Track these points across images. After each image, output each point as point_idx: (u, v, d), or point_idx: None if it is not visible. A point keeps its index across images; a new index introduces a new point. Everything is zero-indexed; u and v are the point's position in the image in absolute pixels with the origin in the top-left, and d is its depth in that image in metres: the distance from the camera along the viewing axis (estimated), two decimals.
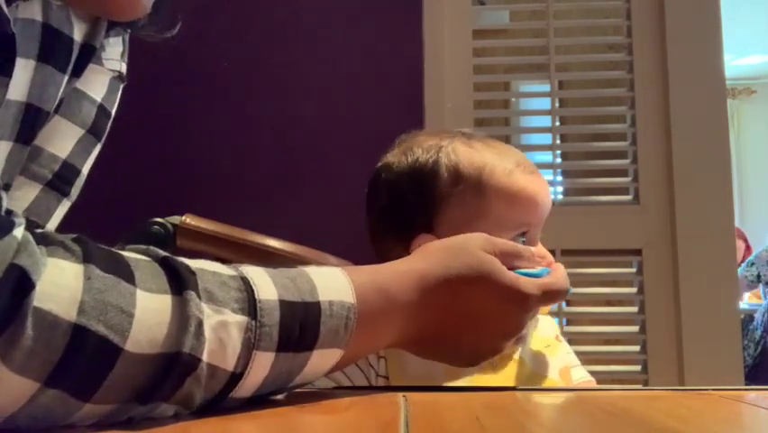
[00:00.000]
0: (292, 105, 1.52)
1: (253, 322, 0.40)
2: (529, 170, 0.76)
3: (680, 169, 1.48)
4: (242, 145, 1.51)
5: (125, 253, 0.39)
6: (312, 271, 0.46)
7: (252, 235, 0.84)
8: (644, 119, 1.52)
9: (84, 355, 0.34)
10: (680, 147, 1.49)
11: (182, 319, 0.37)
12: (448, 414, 0.46)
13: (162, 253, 0.41)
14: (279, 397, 0.51)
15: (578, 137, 1.62)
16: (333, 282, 0.46)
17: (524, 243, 0.74)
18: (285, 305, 0.42)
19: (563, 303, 1.49)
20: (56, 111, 0.57)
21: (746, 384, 1.61)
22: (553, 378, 0.73)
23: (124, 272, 0.37)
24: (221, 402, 0.41)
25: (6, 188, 0.55)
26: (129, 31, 0.64)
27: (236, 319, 0.40)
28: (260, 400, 0.45)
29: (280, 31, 1.53)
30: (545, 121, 1.68)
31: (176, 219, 0.83)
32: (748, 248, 4.02)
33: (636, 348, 1.46)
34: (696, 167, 1.48)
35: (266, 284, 0.42)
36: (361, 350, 0.49)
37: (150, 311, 0.37)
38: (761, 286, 3.44)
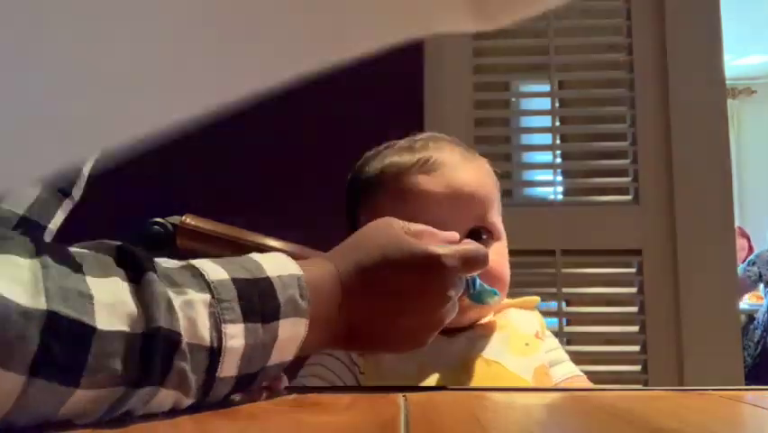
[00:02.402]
0: (291, 106, 1.52)
1: (213, 299, 0.42)
2: (427, 169, 0.75)
3: (680, 169, 1.48)
4: (241, 144, 1.51)
5: (71, 248, 0.39)
6: (255, 255, 0.48)
7: (252, 235, 0.84)
8: (644, 119, 1.52)
9: (60, 340, 0.34)
10: (680, 147, 1.49)
11: (150, 298, 0.38)
12: (448, 414, 0.46)
13: (115, 243, 0.41)
14: (280, 397, 0.52)
15: (578, 137, 1.62)
16: (277, 262, 0.48)
17: None
18: (238, 281, 0.44)
19: (563, 303, 1.49)
20: None
21: (746, 384, 1.61)
22: (525, 378, 0.71)
23: (73, 264, 0.37)
24: (213, 387, 0.41)
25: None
26: None
27: (200, 297, 0.41)
28: (260, 401, 0.45)
29: None
30: (545, 121, 1.68)
31: (176, 219, 0.83)
32: (751, 247, 4.02)
33: (636, 348, 1.46)
34: (696, 167, 1.48)
35: (214, 268, 0.44)
36: (309, 343, 0.49)
37: (105, 291, 0.37)
38: (761, 286, 3.44)
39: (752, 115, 5.49)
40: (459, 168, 0.76)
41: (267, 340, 0.44)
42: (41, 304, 0.34)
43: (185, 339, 0.39)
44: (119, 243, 0.42)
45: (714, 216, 1.47)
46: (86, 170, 0.62)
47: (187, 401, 0.41)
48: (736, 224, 2.58)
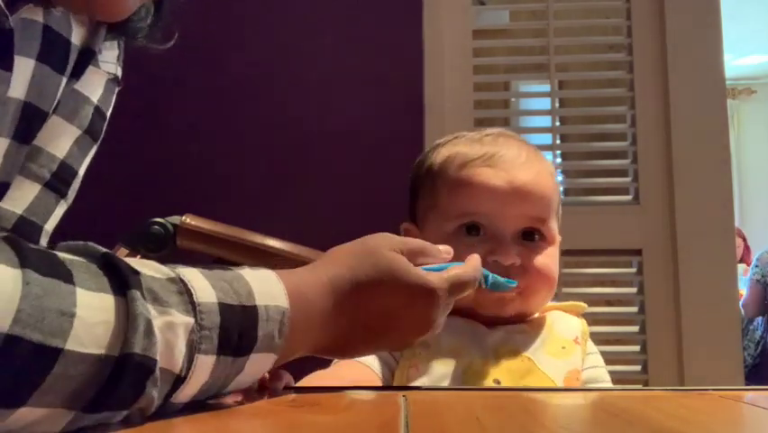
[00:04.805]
0: (292, 106, 1.52)
1: (196, 325, 0.40)
2: (489, 163, 0.76)
3: (680, 169, 1.48)
4: (243, 145, 1.51)
5: (60, 254, 0.38)
6: (247, 273, 0.46)
7: (252, 235, 0.84)
8: (644, 119, 1.51)
9: (14, 364, 0.32)
10: (680, 147, 1.49)
11: (129, 319, 0.36)
12: (448, 414, 0.46)
13: (101, 249, 0.40)
14: (280, 397, 0.51)
15: (578, 137, 1.62)
16: (268, 287, 0.46)
17: (479, 234, 0.76)
18: (224, 308, 0.42)
19: None
20: (54, 111, 0.58)
21: (746, 384, 1.61)
22: (554, 378, 0.73)
23: (62, 273, 0.35)
24: (162, 407, 0.40)
25: (5, 187, 0.55)
26: (124, 38, 0.65)
27: (182, 320, 0.39)
28: (260, 401, 0.45)
29: (280, 31, 1.53)
30: (545, 121, 1.68)
31: (176, 219, 0.83)
32: (747, 247, 4.02)
33: (636, 348, 1.46)
34: (696, 167, 1.48)
35: (204, 287, 0.42)
36: (281, 358, 0.48)
37: (92, 309, 0.35)
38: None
39: (752, 115, 5.49)
40: (522, 167, 0.77)
41: (231, 373, 0.43)
42: (5, 324, 0.32)
43: (159, 364, 0.37)
44: (104, 250, 0.40)
45: (714, 216, 1.47)
46: (81, 173, 0.62)
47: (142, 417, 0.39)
48: (736, 224, 2.58)
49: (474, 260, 0.62)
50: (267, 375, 0.59)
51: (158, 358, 0.37)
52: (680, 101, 1.49)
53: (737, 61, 5.03)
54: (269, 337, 0.45)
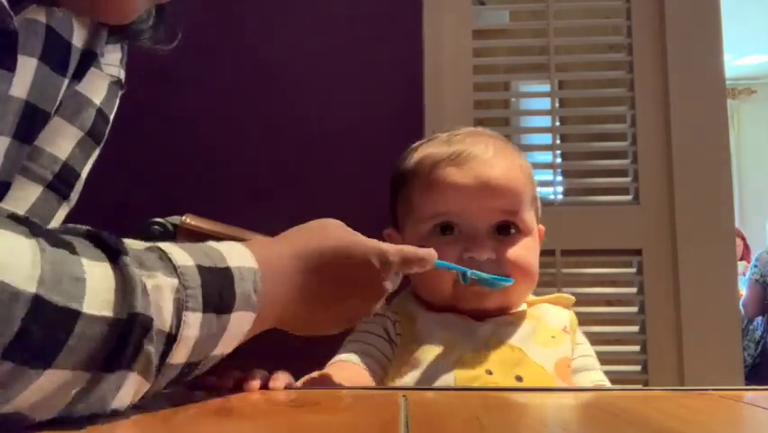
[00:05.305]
0: (292, 106, 1.52)
1: (180, 285, 0.42)
2: (456, 162, 0.79)
3: (680, 169, 1.48)
4: (242, 145, 1.51)
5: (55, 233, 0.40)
6: (215, 243, 0.49)
7: (252, 235, 0.84)
8: (644, 119, 1.51)
9: (42, 325, 0.34)
10: (680, 147, 1.48)
11: (127, 282, 0.38)
12: (448, 414, 0.46)
13: (83, 227, 0.42)
14: (279, 397, 0.51)
15: (578, 137, 1.62)
16: (237, 252, 0.49)
17: (453, 233, 0.78)
18: (202, 270, 0.45)
19: None
20: (56, 113, 0.58)
21: (746, 384, 1.61)
22: (546, 367, 0.74)
23: (66, 244, 0.38)
24: (162, 372, 0.42)
25: (5, 186, 0.55)
26: (127, 40, 0.65)
27: (167, 282, 0.41)
28: (260, 401, 0.45)
29: (279, 30, 1.53)
30: (545, 121, 1.68)
31: (176, 219, 0.83)
32: (746, 246, 4.03)
33: (636, 348, 1.46)
34: (696, 167, 1.48)
35: (180, 253, 0.44)
36: (256, 325, 0.51)
37: (97, 276, 0.38)
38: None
39: (752, 115, 5.49)
40: (489, 162, 0.79)
41: (217, 331, 0.45)
42: (32, 287, 0.34)
43: (155, 323, 0.40)
44: (86, 227, 0.42)
45: (714, 216, 1.47)
46: (83, 175, 0.62)
47: (145, 388, 0.41)
48: (736, 224, 2.58)
49: (430, 251, 0.66)
50: (267, 375, 0.59)
51: (153, 317, 0.40)
52: (680, 101, 1.49)
53: (737, 61, 5.04)
54: (246, 295, 0.48)
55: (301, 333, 0.60)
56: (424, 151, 0.83)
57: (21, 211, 0.56)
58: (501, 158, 0.80)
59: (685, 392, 0.61)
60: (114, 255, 0.39)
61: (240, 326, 0.48)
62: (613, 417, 0.44)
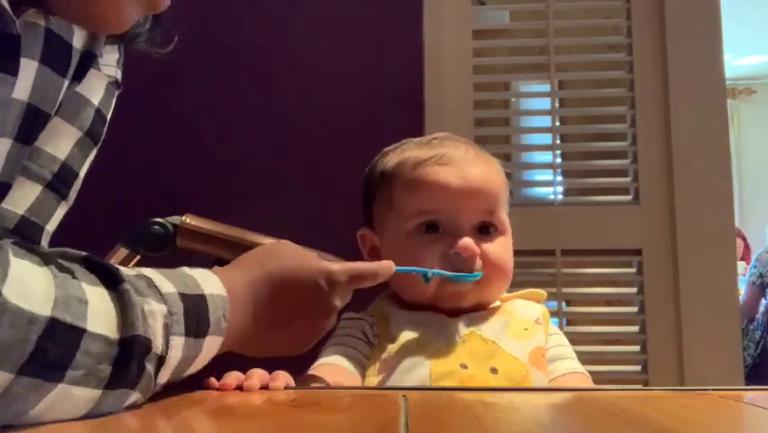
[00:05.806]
0: (292, 106, 1.51)
1: (168, 311, 0.46)
2: (441, 162, 0.81)
3: (680, 169, 1.48)
4: (242, 145, 1.50)
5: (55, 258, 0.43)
6: (187, 270, 0.53)
7: (252, 235, 0.85)
8: (644, 119, 1.51)
9: (55, 342, 0.37)
10: (680, 147, 1.48)
11: (129, 307, 0.42)
12: (448, 414, 0.46)
13: (81, 253, 0.45)
14: (279, 397, 0.52)
15: (578, 137, 1.62)
16: (207, 278, 0.53)
17: (437, 231, 0.80)
18: (183, 297, 0.48)
19: (563, 303, 1.49)
20: (55, 113, 0.58)
21: (746, 384, 1.61)
22: (520, 358, 0.76)
23: (69, 270, 0.41)
24: (151, 391, 0.45)
25: (6, 187, 0.55)
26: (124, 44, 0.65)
27: (158, 308, 0.45)
28: (260, 401, 0.45)
29: (280, 31, 1.53)
30: (545, 121, 1.68)
31: (176, 219, 0.84)
32: (747, 246, 4.03)
33: (636, 348, 1.46)
34: (696, 167, 1.48)
35: (162, 280, 0.48)
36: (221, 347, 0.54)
37: (96, 299, 0.41)
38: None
39: (752, 115, 5.49)
40: (472, 164, 0.82)
41: (193, 354, 0.49)
42: (47, 311, 0.37)
43: (153, 346, 0.43)
44: (84, 253, 0.45)
45: (714, 216, 1.47)
46: (81, 174, 0.62)
47: (139, 402, 0.44)
48: (736, 224, 2.58)
49: (386, 262, 0.69)
50: (268, 376, 0.59)
51: (152, 339, 0.43)
52: (680, 101, 1.49)
53: (737, 61, 5.03)
54: (218, 321, 0.51)
55: (258, 355, 0.62)
56: (403, 153, 0.85)
57: (20, 211, 0.56)
58: (481, 160, 0.84)
59: (685, 392, 0.61)
60: (112, 281, 0.43)
61: (210, 350, 0.51)
62: (613, 417, 0.44)
